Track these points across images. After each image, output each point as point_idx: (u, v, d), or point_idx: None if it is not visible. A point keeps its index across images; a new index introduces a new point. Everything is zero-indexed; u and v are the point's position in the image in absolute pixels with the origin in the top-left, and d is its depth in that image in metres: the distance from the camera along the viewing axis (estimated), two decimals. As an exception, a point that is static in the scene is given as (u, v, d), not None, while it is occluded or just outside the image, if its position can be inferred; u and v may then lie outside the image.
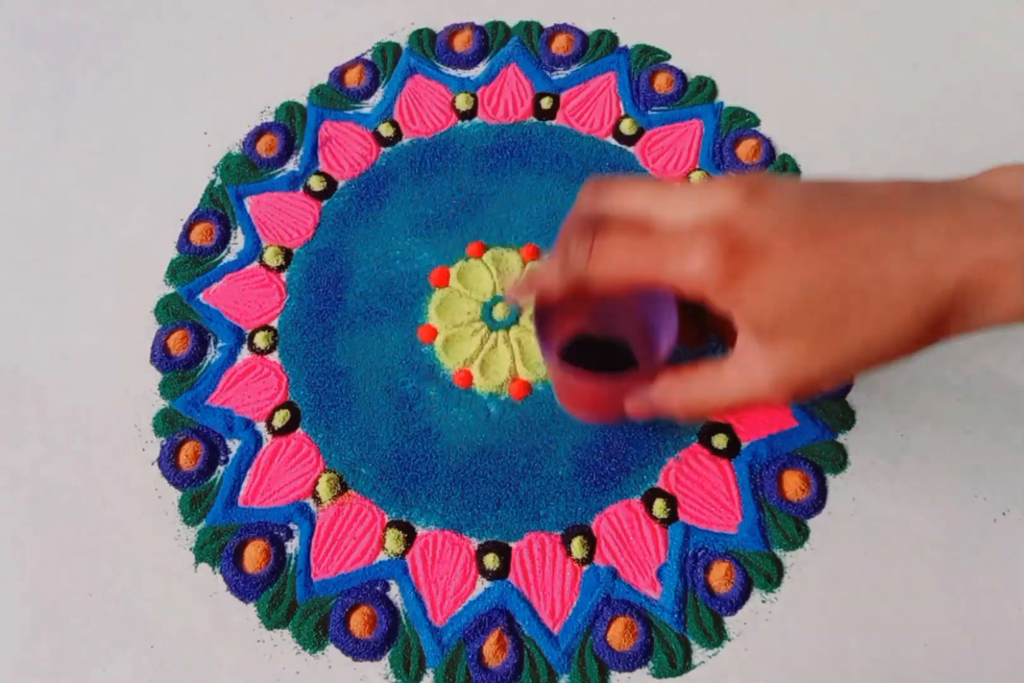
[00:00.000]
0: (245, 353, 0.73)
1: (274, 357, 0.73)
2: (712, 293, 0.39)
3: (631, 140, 0.80)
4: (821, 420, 0.68)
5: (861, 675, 0.61)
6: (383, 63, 0.85)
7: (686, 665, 0.61)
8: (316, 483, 0.68)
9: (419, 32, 0.86)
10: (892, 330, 0.37)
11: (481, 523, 0.66)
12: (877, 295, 0.36)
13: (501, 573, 0.64)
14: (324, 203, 0.79)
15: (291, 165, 0.81)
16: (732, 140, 0.79)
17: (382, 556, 0.66)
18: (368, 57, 0.86)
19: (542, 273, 0.45)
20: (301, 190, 0.80)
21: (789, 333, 0.38)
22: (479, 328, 0.73)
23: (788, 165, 0.78)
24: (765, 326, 0.39)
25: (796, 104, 0.81)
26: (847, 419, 0.68)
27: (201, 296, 0.75)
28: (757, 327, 0.40)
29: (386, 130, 0.82)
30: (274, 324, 0.74)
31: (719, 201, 0.39)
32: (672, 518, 0.66)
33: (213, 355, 0.73)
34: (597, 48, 0.84)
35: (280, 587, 0.65)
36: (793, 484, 0.66)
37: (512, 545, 0.66)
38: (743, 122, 0.80)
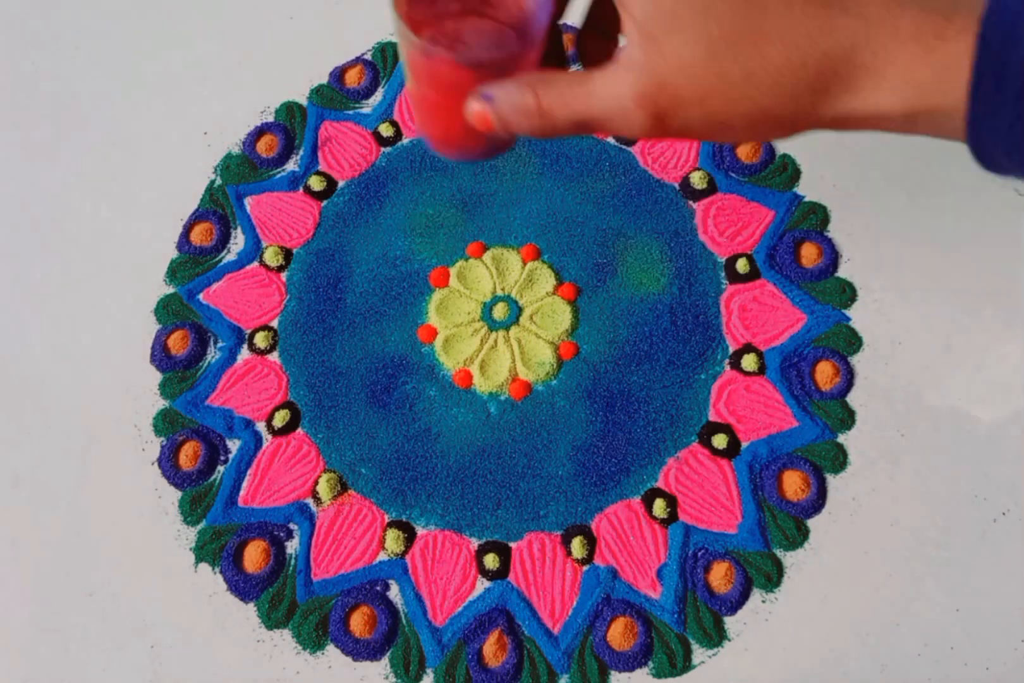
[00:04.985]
0: (245, 353, 0.73)
1: (274, 357, 0.73)
2: None
3: (631, 140, 0.80)
4: (821, 420, 0.68)
5: (861, 675, 0.61)
6: (383, 63, 0.85)
7: (686, 665, 0.61)
8: (316, 483, 0.68)
9: (419, 32, 0.86)
10: (778, 69, 0.33)
11: (481, 523, 0.66)
12: (776, 16, 0.33)
13: (501, 573, 0.64)
14: (324, 203, 0.79)
15: (291, 165, 0.81)
16: (732, 140, 0.79)
17: (382, 556, 0.66)
18: (368, 57, 0.86)
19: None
20: (301, 190, 0.80)
21: (677, 31, 0.34)
22: (479, 328, 0.73)
23: (788, 165, 0.78)
24: (656, 22, 0.35)
25: (796, 104, 0.81)
26: (847, 419, 0.68)
27: (201, 296, 0.75)
28: (645, 22, 0.35)
29: (386, 130, 0.82)
30: (274, 324, 0.74)
31: None
32: (672, 518, 0.66)
33: (213, 355, 0.73)
34: (597, 48, 0.84)
35: (280, 587, 0.65)
36: (793, 484, 0.66)
37: (512, 545, 0.66)
38: (743, 122, 0.80)
